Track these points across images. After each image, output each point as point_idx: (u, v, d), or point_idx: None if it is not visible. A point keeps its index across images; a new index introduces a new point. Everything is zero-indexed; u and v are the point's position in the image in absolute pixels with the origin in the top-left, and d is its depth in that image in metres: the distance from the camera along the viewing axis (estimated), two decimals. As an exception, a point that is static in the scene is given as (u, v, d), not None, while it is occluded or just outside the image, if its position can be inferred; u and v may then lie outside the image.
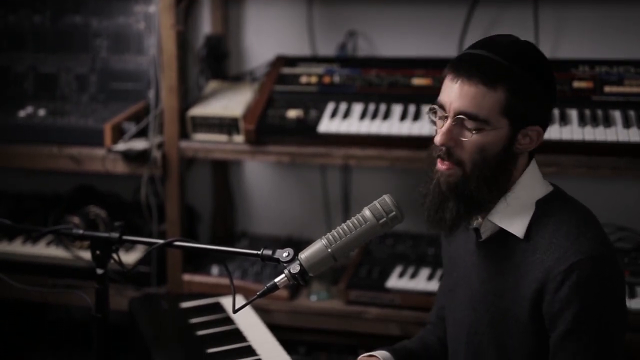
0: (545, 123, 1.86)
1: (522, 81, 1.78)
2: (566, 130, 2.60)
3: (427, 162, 1.89)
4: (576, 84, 2.73)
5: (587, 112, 2.64)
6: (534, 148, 1.85)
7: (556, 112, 2.66)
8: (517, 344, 1.86)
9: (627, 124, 2.57)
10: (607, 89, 2.69)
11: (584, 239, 1.77)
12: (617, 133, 2.55)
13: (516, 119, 1.79)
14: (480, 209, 1.85)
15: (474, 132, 1.78)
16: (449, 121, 1.81)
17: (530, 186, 1.88)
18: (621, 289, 1.80)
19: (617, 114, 2.61)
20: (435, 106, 1.85)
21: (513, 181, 1.86)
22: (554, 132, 2.59)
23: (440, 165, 1.84)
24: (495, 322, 1.90)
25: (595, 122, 2.60)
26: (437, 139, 1.82)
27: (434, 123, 1.87)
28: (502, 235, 1.88)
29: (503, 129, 1.79)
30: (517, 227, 1.85)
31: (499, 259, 1.89)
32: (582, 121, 2.61)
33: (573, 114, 2.65)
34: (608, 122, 2.58)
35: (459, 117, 1.79)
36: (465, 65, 1.80)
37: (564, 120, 2.63)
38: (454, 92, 1.80)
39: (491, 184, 1.81)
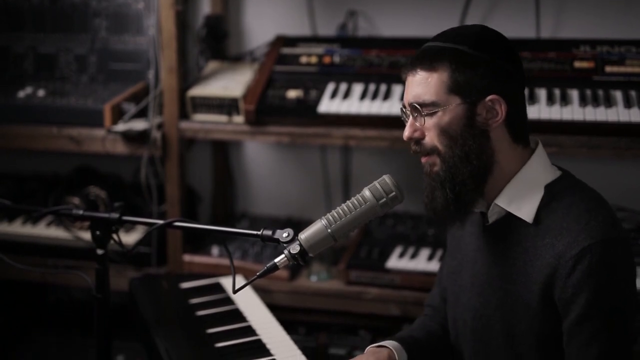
0: (508, 92, 1.83)
1: (462, 56, 1.80)
2: (567, 110, 2.59)
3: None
4: (577, 64, 2.71)
5: (588, 92, 2.63)
6: (511, 121, 1.83)
7: (557, 92, 2.65)
8: (525, 328, 1.86)
9: (628, 104, 2.56)
10: (608, 69, 2.68)
11: (595, 222, 1.76)
12: (618, 113, 2.54)
13: (466, 94, 1.80)
14: (468, 191, 1.85)
15: (428, 116, 1.82)
16: (410, 115, 1.87)
17: (539, 170, 1.87)
18: (632, 271, 1.80)
19: (618, 94, 2.60)
20: (402, 108, 1.91)
21: (504, 161, 1.85)
22: (554, 113, 2.58)
23: (422, 159, 1.89)
24: (503, 306, 1.90)
25: (596, 102, 2.59)
26: (404, 135, 1.89)
27: (406, 122, 1.91)
28: (510, 219, 1.87)
29: (456, 106, 1.81)
30: (526, 211, 1.85)
31: (506, 243, 1.89)
32: (583, 101, 2.61)
33: (574, 94, 2.64)
34: (609, 102, 2.58)
35: (413, 107, 1.85)
36: (409, 62, 1.87)
37: (565, 100, 2.62)
38: (407, 89, 1.88)
39: (466, 161, 1.82)
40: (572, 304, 1.76)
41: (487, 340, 1.95)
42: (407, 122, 1.89)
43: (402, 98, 2.76)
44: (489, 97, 1.80)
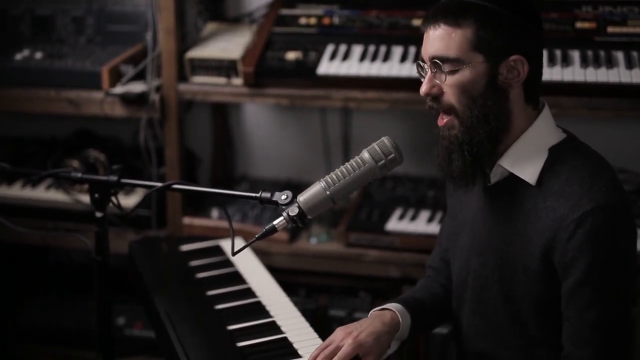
0: (530, 52, 1.81)
1: (488, 13, 1.77)
2: (568, 71, 2.57)
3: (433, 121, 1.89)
4: (579, 25, 2.69)
5: (590, 53, 2.61)
6: (529, 81, 1.82)
7: (558, 53, 2.63)
8: (524, 290, 1.86)
9: (629, 65, 2.54)
10: (610, 29, 2.66)
11: (598, 187, 1.76)
12: (619, 74, 2.52)
13: (490, 52, 1.78)
14: (485, 153, 1.83)
15: (450, 73, 1.79)
16: (428, 70, 1.83)
17: (543, 132, 1.86)
18: (633, 236, 1.80)
19: (619, 55, 2.58)
20: (419, 62, 1.87)
21: (516, 121, 1.84)
22: (555, 74, 2.57)
23: (440, 121, 1.85)
24: (502, 267, 1.90)
25: (597, 63, 2.57)
26: (422, 90, 1.84)
27: (423, 78, 1.87)
28: (512, 180, 1.86)
29: (479, 64, 1.78)
30: (529, 172, 1.84)
31: (507, 204, 1.88)
32: (585, 62, 2.59)
33: (575, 55, 2.62)
34: (610, 63, 2.56)
35: (434, 63, 1.81)
36: (431, 15, 1.82)
37: (566, 61, 2.60)
38: (426, 42, 1.83)
39: (485, 122, 1.80)
40: (572, 267, 1.76)
41: (486, 300, 1.95)
42: (424, 77, 1.85)
43: (403, 59, 2.76)
44: (512, 57, 1.78)
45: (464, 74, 1.79)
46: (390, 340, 1.94)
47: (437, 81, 1.82)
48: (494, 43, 1.77)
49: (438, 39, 1.80)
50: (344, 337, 1.86)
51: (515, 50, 1.78)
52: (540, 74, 1.88)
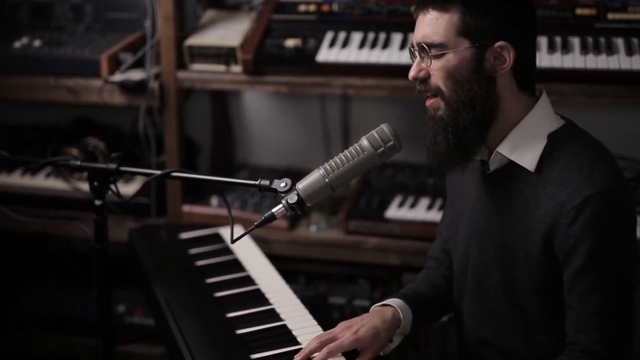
0: (518, 39, 1.81)
1: None
2: (568, 58, 2.56)
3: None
4: (579, 11, 2.68)
5: (590, 39, 2.61)
6: (519, 68, 1.82)
7: (558, 39, 2.62)
8: (524, 277, 1.86)
9: (629, 52, 2.53)
10: (610, 15, 2.64)
11: (598, 172, 1.76)
12: (619, 61, 2.52)
13: (476, 37, 1.78)
14: (470, 138, 1.84)
15: (435, 58, 1.81)
16: (417, 55, 1.85)
17: (542, 119, 1.86)
18: (633, 221, 1.80)
19: (620, 42, 2.58)
20: (410, 47, 1.89)
21: (509, 108, 1.84)
22: (555, 60, 2.56)
23: (427, 102, 1.87)
24: (502, 255, 1.90)
25: (597, 50, 2.57)
26: (410, 74, 1.86)
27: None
28: (511, 167, 1.87)
29: (464, 49, 1.79)
30: (528, 159, 1.84)
31: (507, 191, 1.88)
32: (585, 49, 2.58)
33: (575, 41, 2.61)
34: (611, 50, 2.55)
35: (421, 47, 1.82)
36: (421, 0, 1.84)
37: (566, 48, 2.60)
38: (416, 28, 1.85)
39: (470, 107, 1.81)
40: (574, 253, 1.76)
41: (486, 289, 1.95)
42: (414, 61, 1.87)
43: (402, 46, 2.75)
44: (497, 43, 1.78)
45: (449, 59, 1.80)
46: (390, 337, 1.94)
47: (424, 65, 1.84)
48: (479, 29, 1.78)
49: (426, 24, 1.82)
50: (344, 330, 1.86)
51: (502, 37, 1.79)
52: (533, 61, 1.88)
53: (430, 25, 1.81)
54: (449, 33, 1.79)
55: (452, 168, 1.89)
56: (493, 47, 1.79)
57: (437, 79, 1.82)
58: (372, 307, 2.00)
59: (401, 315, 1.97)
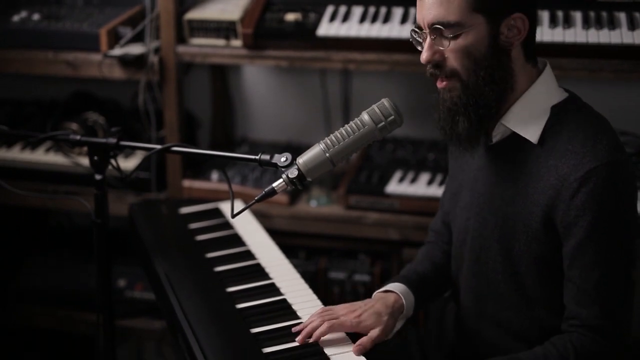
0: (528, 9, 1.80)
1: None
2: (569, 32, 2.55)
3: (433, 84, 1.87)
4: (581, -15, 2.66)
5: (592, 14, 2.59)
6: (528, 39, 1.81)
7: (560, 14, 2.61)
8: (523, 249, 1.86)
9: (632, 26, 2.52)
10: (612, -11, 2.63)
11: (600, 145, 1.75)
12: (621, 35, 2.50)
13: (490, 12, 1.76)
14: (490, 113, 1.82)
15: (452, 38, 1.76)
16: (428, 37, 1.80)
17: (545, 91, 1.85)
18: (634, 194, 1.80)
19: (622, 16, 2.56)
20: (415, 29, 1.84)
21: (519, 80, 1.83)
22: (557, 35, 2.54)
23: (440, 84, 1.83)
24: (502, 226, 1.90)
25: (599, 24, 2.55)
26: (423, 58, 1.81)
27: (420, 45, 1.85)
28: (514, 139, 1.86)
29: (480, 26, 1.76)
30: (531, 131, 1.83)
31: (509, 163, 1.88)
32: (586, 23, 2.56)
33: (577, 16, 2.60)
34: (613, 25, 2.53)
35: (435, 29, 1.77)
36: None
37: (568, 22, 2.58)
38: (423, 8, 1.79)
39: (491, 84, 1.79)
40: (575, 226, 1.76)
41: (485, 260, 1.95)
42: (421, 44, 1.83)
43: (403, 20, 2.74)
44: (513, 15, 1.77)
45: (467, 38, 1.76)
46: (394, 322, 1.94)
47: (439, 47, 1.79)
48: (494, 2, 1.75)
49: (437, 3, 1.76)
50: (348, 313, 1.87)
51: (516, 8, 1.77)
52: (535, 31, 1.87)
53: (442, 4, 1.75)
54: (464, 10, 1.74)
55: (473, 147, 1.87)
56: (508, 19, 1.77)
57: (454, 61, 1.78)
58: (374, 293, 2.01)
59: (404, 301, 1.97)
